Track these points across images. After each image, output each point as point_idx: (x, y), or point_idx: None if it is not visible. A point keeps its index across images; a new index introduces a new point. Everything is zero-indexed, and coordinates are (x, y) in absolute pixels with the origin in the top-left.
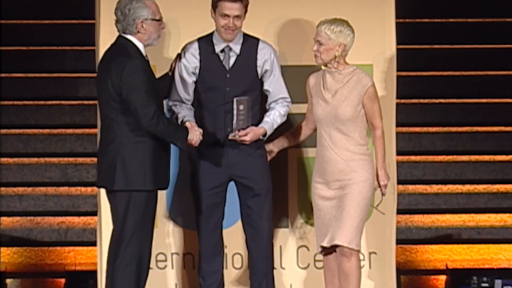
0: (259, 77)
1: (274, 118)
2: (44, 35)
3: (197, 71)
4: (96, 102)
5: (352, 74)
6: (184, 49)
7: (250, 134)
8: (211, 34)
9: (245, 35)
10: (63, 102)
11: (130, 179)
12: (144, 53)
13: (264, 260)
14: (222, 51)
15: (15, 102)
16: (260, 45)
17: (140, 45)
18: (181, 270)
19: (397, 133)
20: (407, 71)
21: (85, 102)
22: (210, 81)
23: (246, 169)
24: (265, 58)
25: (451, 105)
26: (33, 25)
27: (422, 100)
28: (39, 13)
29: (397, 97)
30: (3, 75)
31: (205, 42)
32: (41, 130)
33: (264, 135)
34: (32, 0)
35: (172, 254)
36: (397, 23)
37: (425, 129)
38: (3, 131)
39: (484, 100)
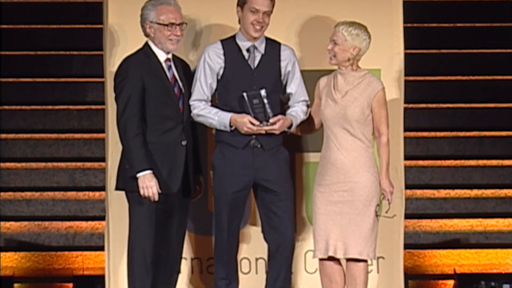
0: (282, 78)
1: (298, 113)
2: (51, 39)
3: (222, 71)
4: (103, 106)
5: (363, 77)
6: (207, 50)
7: (279, 123)
8: (233, 36)
9: (266, 37)
10: (70, 107)
11: (127, 180)
12: (160, 56)
13: (286, 267)
14: (248, 50)
15: (23, 107)
16: (282, 47)
17: (154, 48)
18: (189, 274)
19: (405, 138)
20: (415, 75)
21: (93, 106)
22: (236, 81)
23: (271, 172)
24: (288, 59)
25: (459, 110)
26: (41, 29)
27: (430, 105)
28: (47, 17)
29: (405, 102)
30: (11, 79)
31: (229, 42)
32: (49, 135)
33: (290, 127)
34: (40, 4)
35: (180, 258)
36: (405, 28)
37: (433, 133)
38: (11, 135)
39: (492, 105)
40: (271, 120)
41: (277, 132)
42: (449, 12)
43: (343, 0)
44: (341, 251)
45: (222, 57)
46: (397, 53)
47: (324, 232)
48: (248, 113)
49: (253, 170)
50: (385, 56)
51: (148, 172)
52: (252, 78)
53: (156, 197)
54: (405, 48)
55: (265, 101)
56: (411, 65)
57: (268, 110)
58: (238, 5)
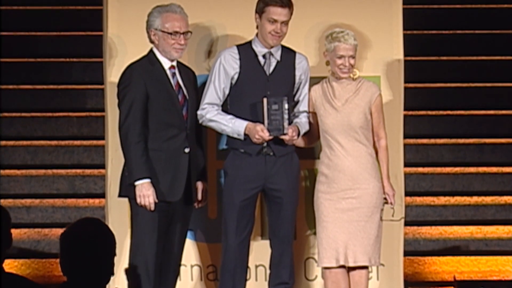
0: (295, 85)
1: (304, 123)
2: (51, 46)
3: (236, 76)
4: (103, 113)
5: (360, 82)
6: (223, 54)
7: (292, 133)
8: (249, 42)
9: (281, 45)
10: (70, 113)
11: (129, 187)
12: (164, 63)
13: (289, 272)
14: (264, 56)
15: (23, 114)
16: (297, 55)
17: (159, 55)
18: (189, 282)
19: (405, 145)
20: (414, 82)
21: (93, 113)
22: (250, 86)
23: (281, 181)
24: (303, 69)
25: (459, 117)
26: (41, 36)
27: (429, 112)
28: (47, 24)
29: (405, 109)
30: (11, 86)
31: (244, 48)
32: (48, 142)
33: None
34: (40, 11)
35: (179, 265)
36: (404, 35)
37: (432, 140)
38: (11, 142)
39: (492, 112)
40: (287, 131)
41: (295, 141)
42: (449, 19)
43: (341, 7)
44: (351, 259)
45: (238, 62)
46: (397, 60)
47: (332, 240)
48: (262, 117)
49: (263, 178)
50: (385, 63)
51: (146, 180)
52: (266, 84)
53: (152, 207)
54: (405, 55)
55: (285, 109)
56: (411, 72)
57: (286, 117)
58: (256, 12)
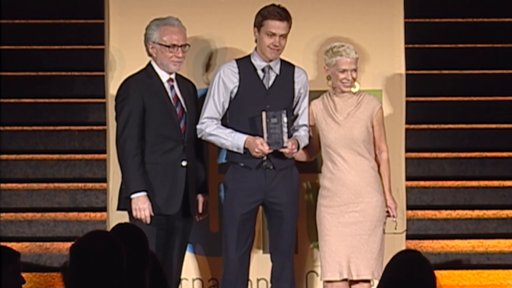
0: (295, 99)
1: (303, 136)
2: (53, 60)
3: (236, 90)
4: (105, 127)
5: (361, 96)
6: (222, 68)
7: (292, 146)
8: (248, 56)
9: (280, 59)
10: (72, 127)
11: (126, 200)
12: (163, 76)
13: (290, 286)
14: (263, 70)
15: (24, 128)
16: (296, 69)
17: (157, 68)
18: None
19: (406, 159)
20: (416, 96)
21: (94, 127)
22: (250, 100)
23: (281, 195)
24: (302, 82)
25: (461, 131)
26: (42, 50)
27: (431, 126)
28: (48, 38)
29: (407, 122)
30: (12, 100)
31: (244, 62)
32: (50, 156)
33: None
34: (41, 25)
35: (179, 279)
36: (406, 48)
37: (434, 154)
38: (13, 156)
39: (494, 126)
40: (287, 145)
41: (295, 154)
42: (451, 33)
43: (340, 21)
44: (354, 272)
45: (237, 76)
46: (398, 74)
47: (335, 253)
48: (262, 131)
49: (264, 191)
50: (386, 77)
51: (142, 194)
52: (266, 98)
53: (148, 220)
54: (407, 68)
55: (284, 122)
56: (413, 85)
57: (285, 130)
58: (255, 25)
